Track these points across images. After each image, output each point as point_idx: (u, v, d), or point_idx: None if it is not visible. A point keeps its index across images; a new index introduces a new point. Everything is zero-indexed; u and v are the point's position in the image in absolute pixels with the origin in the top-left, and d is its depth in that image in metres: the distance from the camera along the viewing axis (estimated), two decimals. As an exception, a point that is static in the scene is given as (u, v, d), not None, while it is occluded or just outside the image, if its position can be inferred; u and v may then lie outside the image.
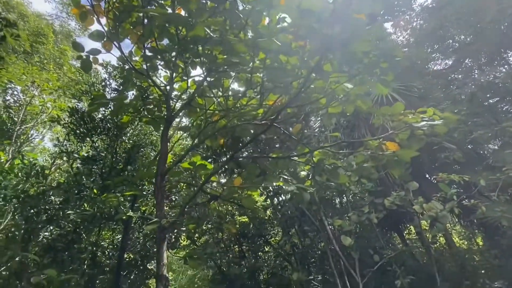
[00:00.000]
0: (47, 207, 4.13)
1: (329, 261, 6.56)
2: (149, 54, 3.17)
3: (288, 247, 8.49)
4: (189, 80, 4.20)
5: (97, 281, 4.65)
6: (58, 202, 4.24)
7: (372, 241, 6.34)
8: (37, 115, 6.12)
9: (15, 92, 6.17)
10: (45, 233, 4.70)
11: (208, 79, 3.78)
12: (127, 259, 5.35)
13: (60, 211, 4.15)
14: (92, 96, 3.76)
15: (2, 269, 4.22)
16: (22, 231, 4.44)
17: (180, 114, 5.06)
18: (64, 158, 4.89)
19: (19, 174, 4.65)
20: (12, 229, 4.83)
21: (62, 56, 8.04)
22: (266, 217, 10.03)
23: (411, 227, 8.25)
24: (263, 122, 2.98)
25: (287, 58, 3.17)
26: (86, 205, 4.40)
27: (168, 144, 3.69)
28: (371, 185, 5.39)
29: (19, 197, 3.93)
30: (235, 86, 4.59)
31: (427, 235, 6.49)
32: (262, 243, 10.39)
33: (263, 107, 3.51)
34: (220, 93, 3.90)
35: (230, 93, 4.06)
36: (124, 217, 3.52)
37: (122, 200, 4.30)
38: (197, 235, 9.17)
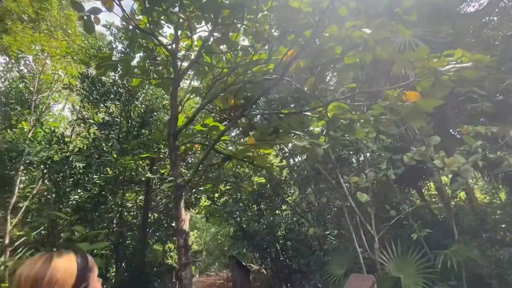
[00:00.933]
0: (72, 172, 4.36)
1: (345, 217, 6.68)
2: (149, 6, 2.98)
3: (304, 205, 8.72)
4: (195, 37, 4.00)
5: (127, 238, 5.05)
6: (81, 167, 4.46)
7: (389, 197, 6.33)
8: (51, 83, 6.19)
9: (27, 62, 6.22)
10: (75, 196, 5.04)
11: (215, 34, 3.57)
12: (152, 218, 5.70)
13: (84, 175, 4.39)
14: (98, 60, 3.68)
15: (41, 228, 4.65)
16: (54, 194, 4.77)
17: (190, 75, 4.93)
18: (82, 125, 5.02)
19: (42, 142, 4.85)
20: (45, 193, 5.22)
21: (68, 23, 7.84)
22: (283, 178, 10.22)
23: (431, 183, 8.12)
24: (273, 76, 2.82)
25: (299, 3, 2.88)
26: (108, 170, 4.62)
27: (180, 106, 3.65)
28: (389, 141, 5.20)
29: (45, 163, 4.15)
30: (244, 43, 4.34)
31: (447, 190, 6.37)
32: (279, 202, 10.73)
33: (273, 61, 3.31)
34: (227, 50, 3.71)
35: (238, 48, 3.85)
36: (143, 179, 3.65)
37: (141, 163, 4.44)
38: (216, 195, 9.59)
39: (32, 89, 5.73)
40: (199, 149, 4.92)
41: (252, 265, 13.33)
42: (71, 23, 7.73)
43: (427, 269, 4.64)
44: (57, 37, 7.20)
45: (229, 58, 3.89)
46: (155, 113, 5.32)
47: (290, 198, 11.58)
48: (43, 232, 4.46)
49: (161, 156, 4.85)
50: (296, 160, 8.72)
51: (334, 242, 8.03)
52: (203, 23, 3.65)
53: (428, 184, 8.31)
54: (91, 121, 4.81)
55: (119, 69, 3.75)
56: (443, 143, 4.97)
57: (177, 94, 3.26)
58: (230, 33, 3.69)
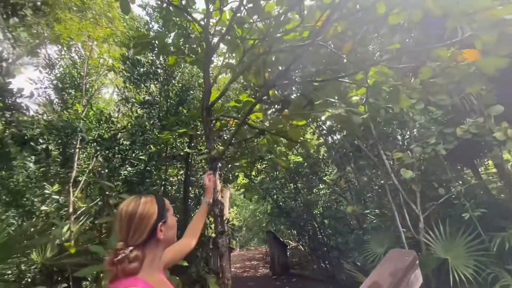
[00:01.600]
0: (119, 148, 4.74)
1: (386, 195, 6.36)
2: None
3: (342, 183, 8.47)
4: (227, 10, 3.91)
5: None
6: (127, 144, 4.83)
7: (438, 175, 5.83)
8: (98, 67, 6.68)
9: (77, 49, 6.74)
10: (124, 172, 5.52)
11: (245, 4, 3.44)
12: (192, 193, 6.03)
13: (130, 152, 4.75)
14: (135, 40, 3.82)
15: (97, 200, 5.20)
16: (106, 169, 5.27)
17: (224, 52, 4.88)
18: (126, 105, 5.39)
19: (92, 121, 5.31)
20: (99, 169, 5.78)
21: (110, 9, 8.23)
22: (320, 156, 10.00)
23: (489, 161, 7.27)
24: (306, 42, 2.64)
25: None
26: (152, 146, 4.93)
27: (213, 82, 3.67)
28: (440, 113, 4.69)
29: (96, 141, 4.56)
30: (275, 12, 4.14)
31: (509, 168, 5.65)
32: (317, 181, 10.61)
33: (308, 28, 3.10)
34: (259, 19, 3.56)
35: (271, 18, 3.68)
36: (182, 153, 3.82)
37: (179, 140, 4.64)
38: (253, 173, 9.77)
39: (82, 73, 6.25)
40: (233, 125, 4.95)
41: (289, 241, 13.63)
42: (112, 10, 8.10)
43: (479, 252, 4.26)
44: (101, 24, 7.64)
45: (261, 29, 3.75)
46: (191, 92, 5.46)
47: (328, 176, 11.37)
48: (99, 203, 4.98)
49: (198, 133, 5.02)
50: (335, 137, 8.39)
51: (374, 221, 7.75)
52: (234, -6, 3.54)
53: (486, 162, 7.46)
54: (133, 100, 5.11)
55: (155, 49, 3.85)
56: (506, 113, 4.34)
57: (209, 69, 3.26)
58: (262, 2, 3.53)
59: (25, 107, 3.24)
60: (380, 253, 5.98)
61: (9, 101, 3.08)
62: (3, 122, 3.74)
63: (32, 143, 3.62)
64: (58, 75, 6.13)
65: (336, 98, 2.92)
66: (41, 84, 6.07)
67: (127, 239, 1.00)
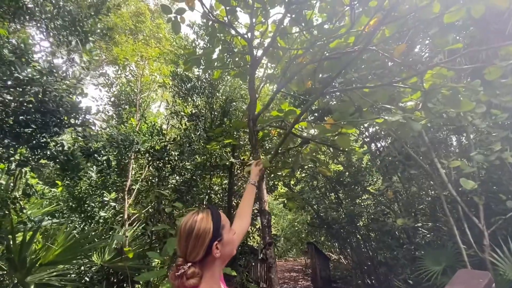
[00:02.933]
0: (169, 159, 5.06)
1: (442, 208, 5.84)
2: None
3: (390, 193, 7.96)
4: (270, 22, 4.02)
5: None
6: (176, 155, 5.13)
7: (504, 185, 5.21)
8: (150, 84, 7.30)
9: (131, 68, 7.45)
10: (172, 180, 5.86)
11: (289, 15, 3.51)
12: (234, 202, 6.14)
13: (178, 162, 5.04)
14: (185, 57, 4.09)
15: (148, 207, 5.55)
16: (157, 178, 5.65)
17: (265, 64, 5.01)
18: (175, 118, 5.76)
19: (146, 134, 5.76)
20: (150, 178, 6.21)
21: (158, 30, 8.97)
22: (363, 165, 9.57)
23: None
24: (356, 48, 2.59)
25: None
26: (197, 157, 5.18)
27: (256, 94, 3.76)
28: (505, 116, 4.22)
29: (149, 152, 4.94)
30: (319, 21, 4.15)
31: None
32: (359, 191, 10.14)
33: (354, 34, 3.05)
34: (302, 29, 3.60)
35: (314, 27, 3.69)
36: (227, 163, 3.95)
37: (224, 149, 4.79)
38: (292, 182, 9.65)
39: (136, 90, 6.88)
40: (275, 135, 4.99)
41: (330, 253, 13.09)
42: (161, 30, 8.81)
43: None
44: (151, 45, 8.36)
45: (304, 40, 3.78)
46: (234, 103, 5.66)
47: (371, 186, 10.83)
48: (150, 210, 5.32)
49: (241, 143, 5.15)
50: (379, 144, 7.97)
51: (427, 236, 7.13)
52: (277, 7, 3.64)
53: None
54: (182, 113, 5.45)
55: (202, 64, 4.08)
56: None
57: (254, 80, 3.36)
58: (305, 12, 3.58)
59: (92, 123, 3.64)
60: (438, 271, 5.48)
61: (80, 118, 3.48)
62: (73, 136, 4.25)
63: (96, 155, 4.02)
64: (115, 92, 6.84)
65: (388, 103, 2.80)
66: (101, 101, 6.85)
67: (186, 255, 1.05)
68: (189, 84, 5.27)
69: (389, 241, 7.40)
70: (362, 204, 9.67)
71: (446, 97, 2.50)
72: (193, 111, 5.44)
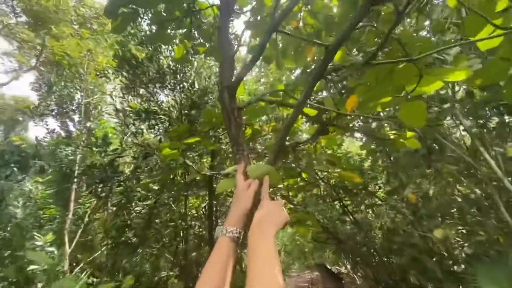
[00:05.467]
0: (119, 179, 3.47)
1: (498, 210, 4.45)
2: None
3: (413, 197, 6.55)
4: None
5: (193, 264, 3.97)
6: (129, 172, 3.58)
7: None
8: (99, 84, 5.73)
9: (76, 67, 5.88)
10: (136, 208, 4.23)
11: None
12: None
13: (133, 182, 3.46)
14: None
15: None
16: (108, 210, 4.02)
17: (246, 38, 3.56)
18: (119, 117, 4.15)
19: (96, 146, 4.13)
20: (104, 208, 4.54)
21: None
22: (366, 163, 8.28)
23: None
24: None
25: None
26: (157, 172, 3.63)
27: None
28: None
29: (86, 173, 3.34)
30: None
31: None
32: (368, 197, 8.77)
33: None
34: None
35: None
36: (198, 178, 2.41)
37: (198, 158, 3.27)
38: (291, 193, 8.14)
39: (80, 91, 5.28)
40: (270, 131, 3.45)
41: (340, 269, 11.62)
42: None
43: None
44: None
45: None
46: (211, 96, 4.13)
47: (381, 191, 9.48)
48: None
49: (223, 147, 3.65)
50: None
51: (466, 247, 5.68)
52: None
53: None
54: (127, 108, 3.86)
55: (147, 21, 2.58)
56: None
57: (228, 24, 1.88)
58: None
59: None
60: None
61: None
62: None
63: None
64: (55, 99, 5.24)
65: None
66: (36, 111, 5.16)
67: None
68: (137, 69, 3.71)
69: (422, 257, 5.95)
70: (376, 212, 8.24)
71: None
72: (148, 108, 3.87)
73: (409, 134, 2.12)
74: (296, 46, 3.25)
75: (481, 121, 4.49)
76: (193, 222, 4.16)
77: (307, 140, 2.28)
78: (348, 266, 10.65)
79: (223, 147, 3.61)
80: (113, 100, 4.00)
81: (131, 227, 3.21)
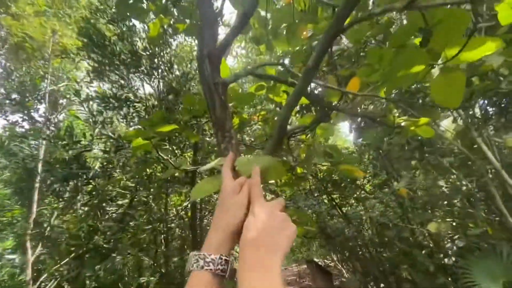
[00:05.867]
0: (87, 176, 3.00)
1: (490, 202, 4.35)
2: None
3: (403, 191, 6.42)
4: None
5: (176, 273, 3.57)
6: (98, 167, 3.13)
7: None
8: (67, 68, 5.07)
9: (42, 52, 5.21)
10: (111, 209, 3.76)
11: None
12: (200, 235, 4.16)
13: (104, 179, 3.01)
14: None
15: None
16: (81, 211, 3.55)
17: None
18: (84, 104, 3.58)
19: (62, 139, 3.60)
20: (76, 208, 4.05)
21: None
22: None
23: None
24: None
25: None
26: (132, 168, 3.19)
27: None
28: None
29: (47, 169, 2.86)
30: None
31: None
32: (357, 190, 8.70)
33: None
34: None
35: None
36: (177, 174, 2.03)
37: (177, 149, 2.87)
38: (276, 188, 7.85)
39: (44, 76, 4.66)
40: (260, 120, 3.10)
41: (329, 263, 11.59)
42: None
43: None
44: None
45: None
46: (192, 83, 3.69)
47: (370, 183, 9.44)
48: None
49: (207, 139, 3.24)
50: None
51: (458, 239, 5.57)
52: None
53: None
54: (92, 94, 3.33)
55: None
56: None
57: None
58: None
59: None
60: None
61: None
62: None
63: None
64: (15, 86, 4.60)
65: None
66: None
67: None
68: (108, 50, 3.17)
69: (412, 251, 5.85)
70: (365, 206, 8.13)
71: None
72: (121, 95, 3.36)
73: (423, 120, 1.84)
74: (289, 24, 2.87)
75: (478, 112, 4.34)
76: (173, 224, 3.73)
77: (304, 128, 1.94)
78: (336, 260, 10.60)
79: (208, 139, 3.23)
80: (78, 85, 3.45)
81: (101, 231, 2.78)
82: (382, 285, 7.13)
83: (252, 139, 3.51)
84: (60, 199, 2.99)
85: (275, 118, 2.58)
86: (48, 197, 3.81)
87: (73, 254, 2.67)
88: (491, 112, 4.28)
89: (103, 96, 3.15)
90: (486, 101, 4.31)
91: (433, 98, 1.18)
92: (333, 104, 1.87)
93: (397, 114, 1.93)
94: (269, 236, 0.57)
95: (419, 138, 5.38)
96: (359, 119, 7.21)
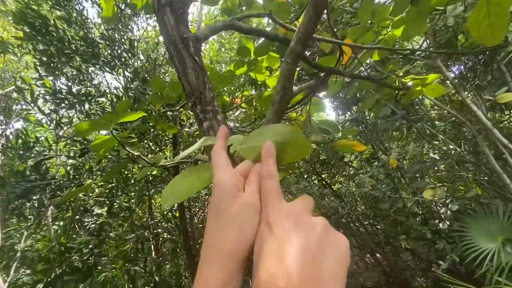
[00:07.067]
0: (51, 186, 2.57)
1: (489, 163, 4.35)
2: None
3: (393, 162, 6.35)
4: None
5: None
6: (62, 176, 2.69)
7: None
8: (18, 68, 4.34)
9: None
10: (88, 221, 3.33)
11: None
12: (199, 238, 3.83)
13: (67, 188, 2.58)
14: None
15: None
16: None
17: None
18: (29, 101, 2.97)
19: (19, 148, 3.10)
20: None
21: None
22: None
23: None
24: None
25: None
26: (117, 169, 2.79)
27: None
28: None
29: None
30: None
31: None
32: (344, 167, 8.73)
33: None
34: None
35: None
36: (155, 172, 1.70)
37: (153, 145, 2.51)
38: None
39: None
40: (243, 102, 2.78)
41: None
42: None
43: None
44: None
45: None
46: (162, 69, 3.26)
47: (357, 158, 9.52)
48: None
49: (187, 129, 2.87)
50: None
51: (454, 204, 5.58)
52: None
53: None
54: (39, 88, 2.79)
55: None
56: None
57: None
58: None
59: None
60: (492, 248, 3.94)
61: None
62: None
63: None
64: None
65: None
66: None
67: None
68: (56, 37, 2.60)
69: (408, 220, 5.85)
70: (356, 182, 8.10)
71: None
72: (78, 89, 2.84)
73: (432, 77, 1.59)
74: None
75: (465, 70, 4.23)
76: (159, 229, 3.37)
77: (299, 101, 1.64)
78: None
79: (187, 129, 2.85)
80: (29, 86, 2.85)
81: (76, 248, 2.40)
82: (378, 255, 7.21)
83: (237, 125, 3.19)
84: (24, 217, 2.56)
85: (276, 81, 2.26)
86: (12, 218, 3.31)
87: (48, 279, 2.30)
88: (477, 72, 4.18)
89: (53, 92, 2.65)
90: (470, 60, 4.19)
91: (472, 35, 0.92)
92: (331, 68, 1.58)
93: (401, 74, 1.68)
94: (314, 271, 0.27)
95: (403, 108, 5.28)
96: (342, 95, 7.03)
